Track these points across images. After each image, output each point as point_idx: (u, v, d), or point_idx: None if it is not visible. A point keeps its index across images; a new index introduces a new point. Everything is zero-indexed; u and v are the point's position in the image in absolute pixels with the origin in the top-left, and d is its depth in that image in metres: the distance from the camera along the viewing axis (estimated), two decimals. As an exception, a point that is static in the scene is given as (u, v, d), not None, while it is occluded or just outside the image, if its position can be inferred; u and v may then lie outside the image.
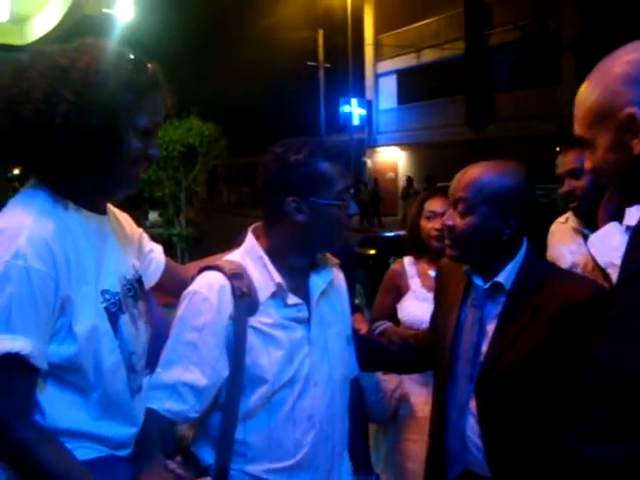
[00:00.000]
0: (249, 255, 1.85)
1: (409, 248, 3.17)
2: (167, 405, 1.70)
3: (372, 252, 8.99)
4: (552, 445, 1.86)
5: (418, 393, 2.96)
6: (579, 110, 1.43)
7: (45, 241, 1.45)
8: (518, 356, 1.89)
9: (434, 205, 3.02)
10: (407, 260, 3.17)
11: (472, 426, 1.97)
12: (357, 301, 8.90)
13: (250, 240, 1.88)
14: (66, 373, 1.52)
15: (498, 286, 1.96)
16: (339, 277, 2.05)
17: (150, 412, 1.70)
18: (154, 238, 1.88)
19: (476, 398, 1.96)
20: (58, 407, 1.53)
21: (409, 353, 2.33)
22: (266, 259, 1.81)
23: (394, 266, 3.22)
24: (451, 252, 2.02)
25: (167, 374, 1.73)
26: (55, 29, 6.20)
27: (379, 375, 2.87)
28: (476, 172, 1.96)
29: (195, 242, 10.99)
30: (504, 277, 1.95)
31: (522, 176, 1.96)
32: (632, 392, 1.12)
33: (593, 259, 2.71)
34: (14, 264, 1.40)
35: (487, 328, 1.97)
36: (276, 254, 1.83)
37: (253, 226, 1.91)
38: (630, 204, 1.70)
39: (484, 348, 1.97)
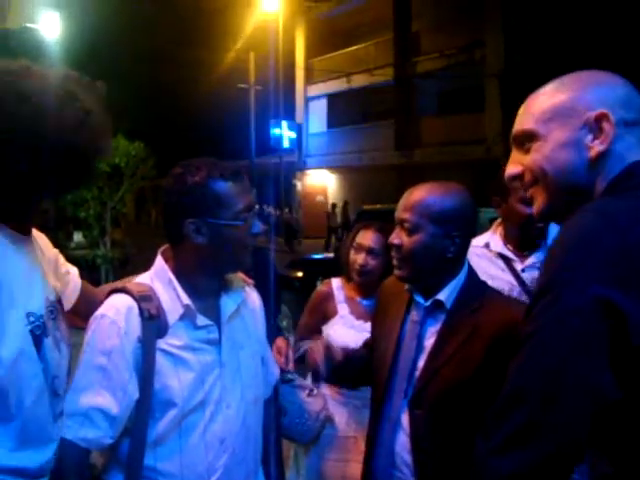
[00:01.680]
0: (158, 277, 1.82)
1: (343, 272, 3.16)
2: (81, 433, 1.65)
3: (299, 274, 8.98)
4: None
5: (339, 413, 2.95)
6: (536, 105, 1.41)
7: None
8: (454, 373, 1.92)
9: (363, 238, 3.01)
10: (335, 283, 3.15)
11: (402, 442, 1.99)
12: (284, 323, 8.87)
13: (159, 262, 1.85)
14: None
15: (439, 304, 2.01)
16: (252, 297, 2.05)
17: (64, 442, 1.64)
18: (78, 260, 1.82)
19: (409, 413, 1.98)
20: None
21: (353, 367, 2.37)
22: (174, 281, 1.79)
23: (321, 287, 3.20)
24: (399, 272, 2.06)
25: (78, 401, 1.67)
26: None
27: (303, 397, 2.84)
28: (421, 193, 2.01)
29: (121, 264, 10.77)
30: (445, 295, 2.00)
31: (465, 196, 2.02)
32: (533, 405, 1.15)
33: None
34: None
35: (425, 344, 2.01)
36: (184, 276, 1.81)
37: (162, 248, 1.89)
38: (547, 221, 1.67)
39: (421, 364, 2.00)
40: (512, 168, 1.47)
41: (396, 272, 2.07)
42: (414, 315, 2.07)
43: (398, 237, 2.02)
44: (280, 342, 2.80)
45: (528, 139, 1.41)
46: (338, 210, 25.99)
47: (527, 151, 1.42)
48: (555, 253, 1.21)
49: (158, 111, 39.81)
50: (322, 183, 31.62)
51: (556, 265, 1.19)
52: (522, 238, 2.85)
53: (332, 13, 30.09)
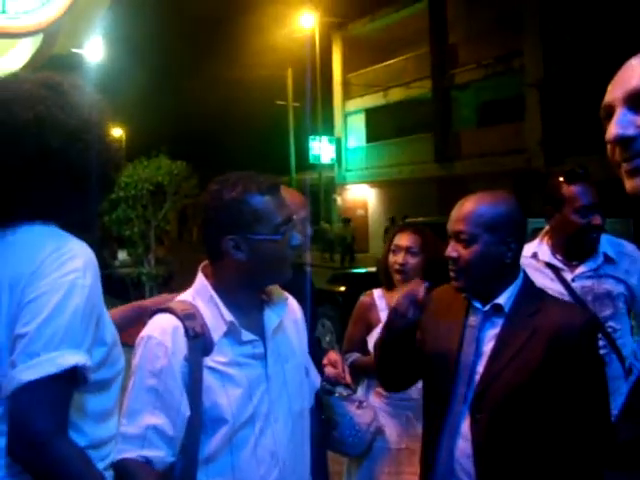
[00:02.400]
0: (199, 294, 1.82)
1: (381, 281, 3.19)
2: (143, 453, 1.65)
3: (342, 289, 8.98)
4: (542, 468, 1.89)
5: (390, 425, 2.96)
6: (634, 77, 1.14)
7: (94, 263, 1.54)
8: (514, 376, 1.93)
9: (400, 239, 3.06)
10: (377, 293, 3.18)
11: (462, 448, 1.99)
12: (327, 339, 8.88)
13: (200, 279, 1.86)
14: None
15: (498, 308, 2.02)
16: (293, 308, 2.04)
17: (126, 462, 1.64)
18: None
19: (470, 418, 1.98)
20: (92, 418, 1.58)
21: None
22: (216, 298, 1.79)
23: (363, 298, 3.23)
24: (457, 283, 2.08)
25: (134, 424, 1.67)
26: (23, 69, 6.19)
27: (353, 410, 2.85)
28: (472, 204, 2.04)
29: (165, 281, 10.91)
30: (504, 299, 2.02)
31: (513, 202, 2.06)
32: None
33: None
34: (76, 282, 1.45)
35: (484, 349, 2.02)
36: (225, 292, 1.80)
37: (202, 264, 1.89)
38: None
39: (480, 368, 2.00)
40: (625, 128, 1.14)
41: (455, 284, 2.09)
42: (472, 320, 2.07)
43: (454, 250, 2.03)
44: (334, 356, 2.79)
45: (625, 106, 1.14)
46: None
47: None
48: None
49: (199, 130, 40.37)
50: (362, 197, 31.64)
51: None
52: (573, 248, 2.85)
53: (368, 28, 30.22)
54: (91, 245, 1.70)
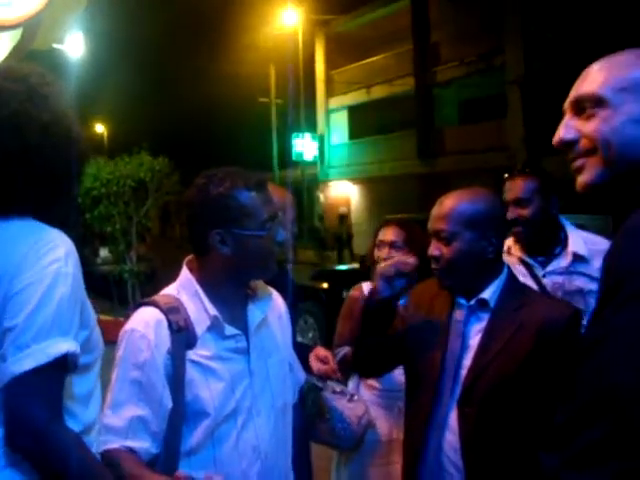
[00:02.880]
0: (184, 288, 1.84)
1: (370, 276, 3.19)
2: (127, 443, 1.67)
3: (325, 286, 9.00)
4: (529, 461, 1.87)
5: (382, 417, 2.97)
6: (610, 71, 1.30)
7: (74, 251, 1.56)
8: (501, 369, 1.96)
9: (384, 234, 3.07)
10: (366, 287, 3.17)
11: (450, 441, 2.02)
12: (310, 335, 8.89)
13: (185, 273, 1.87)
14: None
15: (483, 302, 2.05)
16: (278, 303, 2.06)
17: (110, 453, 1.65)
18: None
19: (457, 411, 2.00)
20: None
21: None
22: (201, 292, 1.81)
23: (353, 292, 3.23)
24: (441, 282, 2.11)
25: (118, 415, 1.69)
26: (1, 64, 6.13)
27: (344, 403, 2.86)
28: (452, 201, 2.06)
29: (147, 278, 10.87)
30: (489, 294, 2.05)
31: (493, 197, 2.10)
32: (620, 413, 1.07)
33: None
34: (59, 271, 1.47)
35: (470, 343, 2.05)
36: (210, 286, 1.82)
37: (187, 259, 1.91)
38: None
39: (467, 362, 2.03)
40: (567, 132, 1.34)
41: (439, 281, 2.12)
42: (457, 314, 2.10)
43: (437, 248, 2.05)
44: (322, 351, 2.79)
45: (594, 104, 1.30)
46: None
47: (588, 118, 1.31)
48: (621, 252, 1.16)
49: (180, 126, 40.19)
50: (345, 194, 31.66)
51: (625, 264, 1.13)
52: (520, 242, 2.91)
53: (351, 25, 30.21)
54: (73, 241, 1.69)
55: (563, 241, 2.87)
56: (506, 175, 2.90)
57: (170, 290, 1.86)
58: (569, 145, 1.33)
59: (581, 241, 2.86)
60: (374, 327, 2.19)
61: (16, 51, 5.86)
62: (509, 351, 1.96)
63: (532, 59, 21.28)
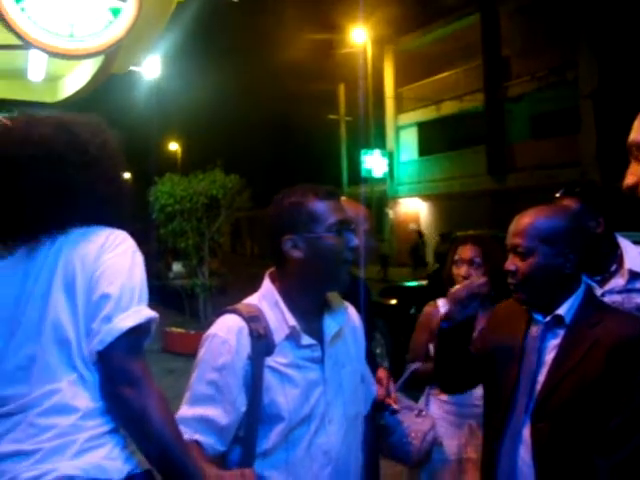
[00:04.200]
0: (265, 298, 1.95)
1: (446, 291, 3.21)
2: (195, 437, 1.80)
3: (393, 302, 8.98)
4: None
5: (454, 436, 2.98)
6: None
7: None
8: (575, 385, 1.97)
9: (462, 252, 3.08)
10: (441, 302, 3.21)
11: (524, 457, 2.04)
12: (378, 350, 8.88)
13: (266, 284, 1.99)
14: None
15: (559, 319, 2.07)
16: (354, 318, 2.14)
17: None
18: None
19: (531, 427, 2.03)
20: None
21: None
22: (281, 302, 1.91)
23: (427, 308, 3.27)
24: (518, 296, 2.14)
25: (192, 410, 1.83)
26: (84, 87, 6.44)
27: (412, 418, 2.88)
28: (529, 217, 2.10)
29: (219, 292, 11.08)
30: (565, 310, 2.07)
31: (571, 214, 2.16)
32: None
33: None
34: (135, 254, 1.77)
35: (545, 359, 2.07)
36: (289, 296, 1.93)
37: (270, 270, 2.02)
38: None
39: (541, 378, 2.05)
40: (629, 179, 1.42)
41: (515, 295, 2.15)
42: (533, 331, 2.12)
43: (513, 263, 2.09)
44: (381, 373, 2.80)
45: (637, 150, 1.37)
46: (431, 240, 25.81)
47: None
48: None
49: (252, 144, 40.84)
50: (414, 211, 31.54)
51: None
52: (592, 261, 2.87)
53: (420, 41, 30.21)
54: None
55: (618, 258, 2.82)
56: (557, 195, 2.88)
57: (252, 300, 1.97)
58: (634, 189, 1.40)
59: (638, 258, 2.81)
60: (450, 348, 2.24)
61: (98, 74, 6.15)
62: (583, 367, 1.97)
63: (606, 72, 20.80)
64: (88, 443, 1.60)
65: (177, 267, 14.10)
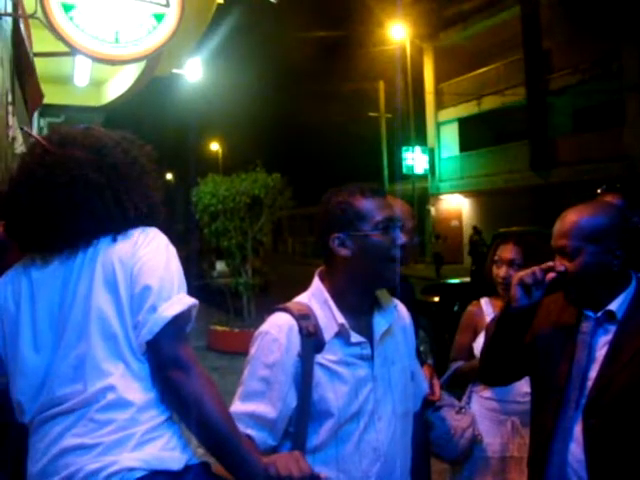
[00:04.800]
0: (315, 297, 1.99)
1: (489, 291, 3.22)
2: (247, 431, 1.84)
3: (436, 299, 8.97)
4: None
5: (496, 433, 2.97)
6: None
7: None
8: (628, 381, 1.97)
9: (503, 252, 3.07)
10: (484, 300, 3.22)
11: (575, 454, 2.03)
12: (422, 348, 8.88)
13: (316, 283, 2.02)
14: None
15: (610, 314, 2.07)
16: (403, 314, 2.16)
17: None
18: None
19: (583, 423, 2.02)
20: None
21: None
22: (330, 301, 1.95)
23: (471, 307, 3.27)
24: (569, 295, 2.15)
25: (244, 406, 1.88)
26: (127, 91, 6.58)
27: (452, 414, 2.90)
28: (573, 217, 2.08)
29: (261, 291, 11.17)
30: (616, 306, 2.06)
31: (615, 210, 2.12)
32: None
33: None
34: (168, 247, 1.85)
35: (596, 354, 2.06)
36: (338, 295, 1.96)
37: (319, 269, 2.06)
38: None
39: (592, 374, 2.05)
40: None
41: (566, 297, 2.15)
42: (584, 327, 2.11)
43: (561, 264, 2.07)
44: (425, 370, 2.79)
45: None
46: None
47: None
48: None
49: (293, 143, 41.00)
50: (456, 207, 31.31)
51: None
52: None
53: (459, 37, 29.97)
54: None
55: None
56: (598, 190, 2.85)
57: (302, 298, 2.02)
58: None
59: None
60: (507, 337, 2.19)
61: (141, 78, 6.28)
62: (636, 363, 1.96)
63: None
64: (146, 435, 1.66)
65: (220, 266, 14.22)
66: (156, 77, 7.01)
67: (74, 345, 1.71)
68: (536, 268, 2.10)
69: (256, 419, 1.86)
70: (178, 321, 1.71)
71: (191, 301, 1.76)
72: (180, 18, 4.18)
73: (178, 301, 1.73)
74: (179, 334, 1.72)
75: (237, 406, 1.89)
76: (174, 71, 8.60)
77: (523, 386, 2.74)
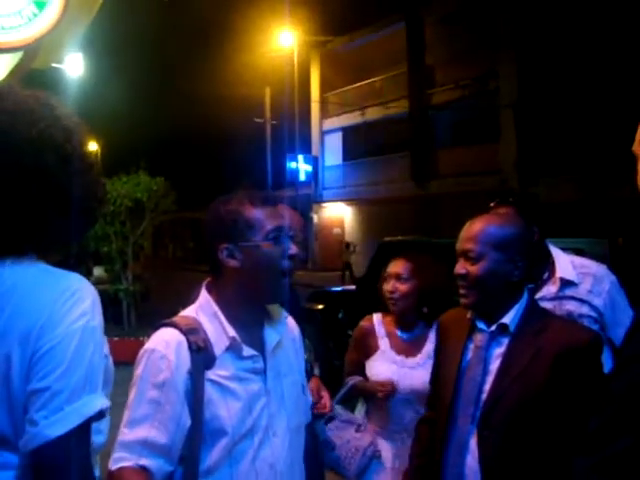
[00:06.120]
0: (203, 310, 1.88)
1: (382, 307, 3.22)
2: (141, 462, 1.68)
3: (320, 307, 9.01)
4: None
5: (387, 447, 2.99)
6: None
7: (98, 298, 1.49)
8: (520, 394, 2.00)
9: (391, 267, 3.10)
10: (376, 318, 3.22)
11: (470, 466, 2.05)
12: (306, 356, 8.88)
13: (204, 295, 1.91)
14: None
15: (504, 327, 2.10)
16: (293, 328, 2.10)
17: (122, 471, 1.66)
18: (100, 294, 1.81)
19: (477, 435, 2.04)
20: None
21: None
22: (220, 313, 1.85)
23: (363, 323, 3.26)
24: (465, 300, 2.16)
25: (134, 433, 1.71)
26: (1, 82, 6.19)
27: (351, 433, 2.88)
28: (481, 224, 2.14)
29: (142, 298, 10.89)
30: (509, 319, 2.10)
31: (521, 223, 2.19)
32: None
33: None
34: (87, 326, 1.39)
35: (491, 368, 2.09)
36: (227, 307, 1.86)
37: (206, 281, 1.95)
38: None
39: (487, 387, 2.07)
40: None
41: (462, 300, 2.16)
42: (478, 341, 2.15)
43: (463, 267, 2.12)
44: (312, 384, 2.79)
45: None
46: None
47: None
48: None
49: (178, 146, 40.34)
50: (339, 215, 31.76)
51: None
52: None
53: (346, 47, 30.49)
54: (67, 261, 1.70)
55: (550, 266, 2.88)
56: (492, 204, 2.92)
57: (189, 311, 1.90)
58: None
59: (569, 265, 2.85)
60: None
61: (17, 70, 5.92)
62: (528, 375, 2.00)
63: (525, 83, 21.50)
64: None
65: (98, 272, 13.74)
66: (34, 70, 6.64)
67: None
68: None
69: (149, 446, 1.69)
70: (68, 439, 1.32)
71: (92, 410, 1.36)
72: (64, 8, 3.95)
73: (70, 415, 1.32)
74: (69, 454, 1.33)
75: (126, 435, 1.71)
76: (54, 65, 8.18)
77: (409, 413, 2.86)
